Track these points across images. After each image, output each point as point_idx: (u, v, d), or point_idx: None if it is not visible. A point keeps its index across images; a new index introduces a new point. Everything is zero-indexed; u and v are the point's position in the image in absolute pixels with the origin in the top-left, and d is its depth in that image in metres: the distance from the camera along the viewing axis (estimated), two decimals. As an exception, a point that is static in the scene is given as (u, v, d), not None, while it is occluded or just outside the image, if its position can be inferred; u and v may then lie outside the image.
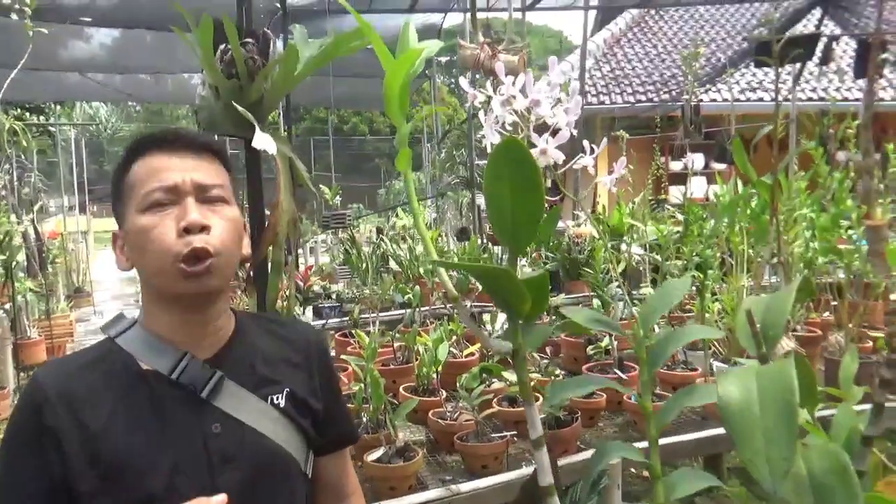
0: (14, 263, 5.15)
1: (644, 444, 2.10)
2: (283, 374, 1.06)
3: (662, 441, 2.23)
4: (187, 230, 0.92)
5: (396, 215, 10.27)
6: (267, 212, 1.58)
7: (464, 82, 0.79)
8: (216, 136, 1.55)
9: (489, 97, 0.80)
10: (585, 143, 0.77)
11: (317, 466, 1.11)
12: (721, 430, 2.29)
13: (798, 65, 7.07)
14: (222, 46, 1.34)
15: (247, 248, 1.05)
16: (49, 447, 0.90)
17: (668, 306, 0.74)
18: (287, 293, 1.63)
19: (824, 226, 2.45)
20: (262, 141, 1.24)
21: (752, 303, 0.58)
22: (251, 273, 1.51)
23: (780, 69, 2.10)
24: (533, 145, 0.71)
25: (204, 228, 0.93)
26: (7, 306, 5.23)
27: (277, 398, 1.03)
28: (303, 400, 1.06)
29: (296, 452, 1.04)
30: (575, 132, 0.73)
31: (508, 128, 0.77)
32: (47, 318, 6.30)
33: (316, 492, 1.13)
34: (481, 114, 0.82)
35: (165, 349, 0.97)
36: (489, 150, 0.88)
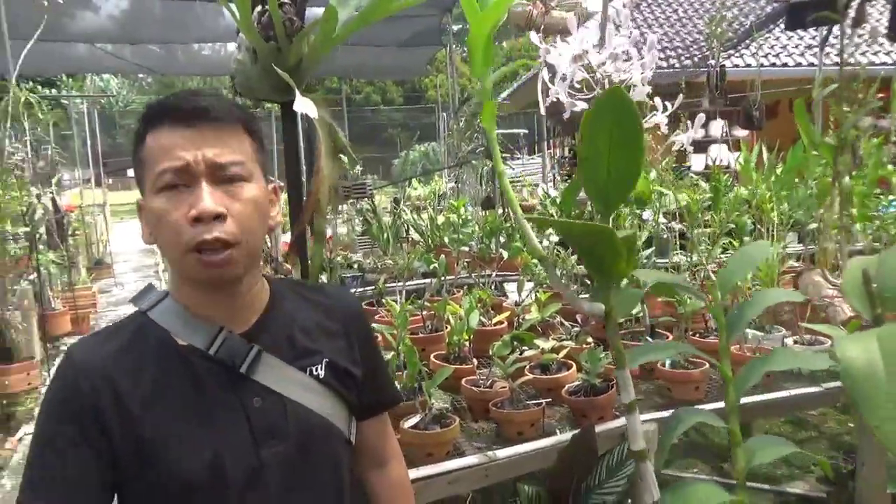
0: (38, 236, 5.20)
1: (654, 414, 2.09)
2: (322, 344, 1.04)
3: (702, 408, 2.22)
4: (198, 219, 0.86)
5: (411, 186, 10.22)
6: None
7: (534, 37, 0.76)
8: (252, 101, 1.53)
9: (554, 55, 0.76)
10: (658, 100, 0.74)
11: (358, 431, 1.11)
12: (765, 397, 2.27)
13: (825, 28, 6.88)
14: (259, 8, 1.31)
15: (275, 219, 1.01)
16: (91, 427, 0.88)
17: (747, 269, 0.71)
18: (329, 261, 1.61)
19: (864, 192, 2.40)
20: (304, 105, 1.21)
21: (864, 262, 0.55)
22: (292, 242, 1.49)
23: (824, 31, 2.02)
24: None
25: (218, 217, 0.87)
26: (32, 277, 5.29)
27: (317, 369, 1.01)
28: (343, 369, 1.05)
29: (339, 421, 1.03)
30: (649, 89, 0.70)
31: (577, 86, 0.73)
32: (70, 290, 6.37)
33: (357, 456, 1.12)
34: (544, 72, 0.78)
35: (200, 324, 0.94)
36: (542, 110, 0.84)
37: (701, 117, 0.76)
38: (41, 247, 5.97)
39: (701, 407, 2.18)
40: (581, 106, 0.67)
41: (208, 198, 0.87)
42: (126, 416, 0.88)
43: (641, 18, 12.15)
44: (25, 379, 4.45)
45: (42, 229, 5.95)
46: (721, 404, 2.23)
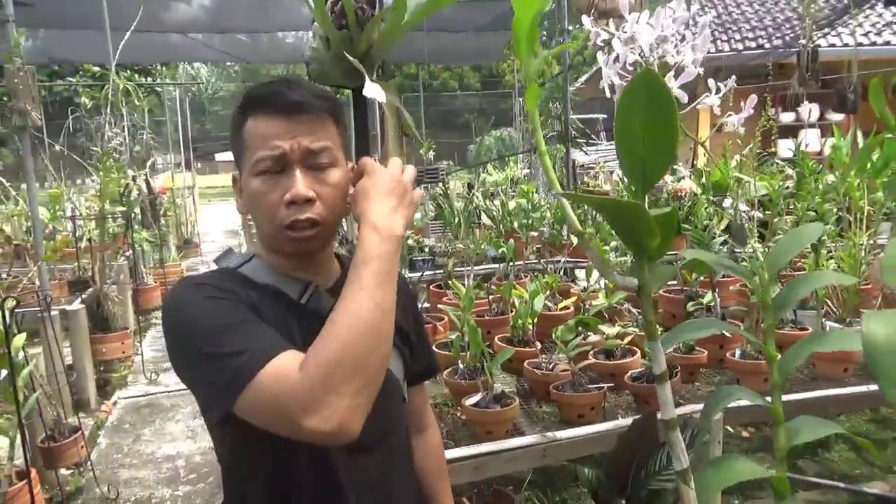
0: (133, 215, 5.55)
1: (731, 403, 2.06)
2: None
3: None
4: (293, 202, 0.96)
5: (486, 171, 10.23)
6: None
7: (586, 20, 0.78)
8: (327, 87, 1.59)
9: (608, 38, 0.78)
10: (711, 81, 0.75)
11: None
12: (833, 392, 2.20)
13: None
14: (331, -2, 1.37)
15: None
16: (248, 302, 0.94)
17: (798, 248, 0.71)
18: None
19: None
20: (373, 90, 1.26)
21: (903, 241, 0.55)
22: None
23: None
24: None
25: (308, 201, 0.96)
26: (128, 254, 5.66)
27: None
28: (404, 330, 1.13)
29: (400, 378, 1.12)
30: (701, 70, 0.71)
31: (630, 68, 0.75)
32: (161, 267, 6.78)
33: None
34: (600, 55, 0.80)
35: (289, 279, 1.03)
36: (607, 93, 0.86)
37: (753, 98, 0.75)
38: (136, 226, 6.37)
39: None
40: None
41: (301, 184, 0.96)
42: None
43: (730, -3, 11.63)
44: (120, 348, 4.80)
45: (137, 210, 6.34)
46: (794, 396, 2.18)
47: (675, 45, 0.70)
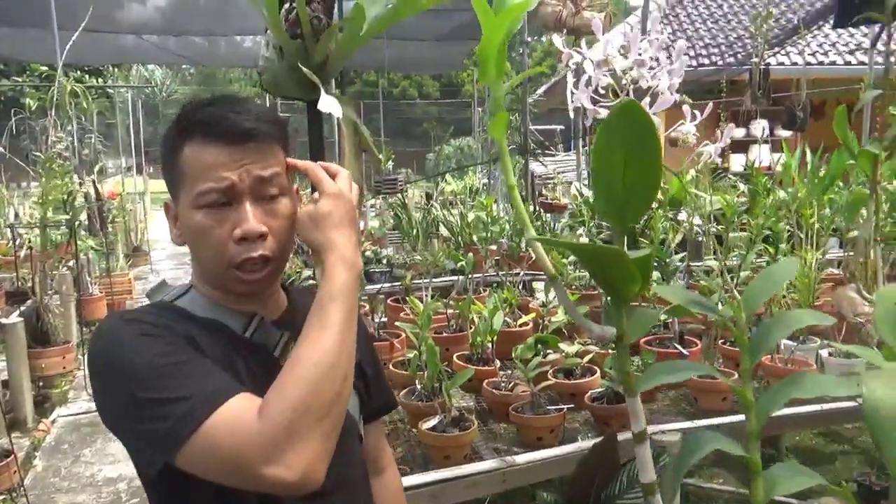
0: (77, 223, 5.32)
1: (679, 424, 2.03)
2: None
3: (726, 420, 2.16)
4: (244, 238, 0.88)
5: (445, 181, 10.22)
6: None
7: (557, 40, 0.73)
8: (278, 100, 1.52)
9: (579, 60, 0.73)
10: (687, 107, 0.71)
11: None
12: (793, 411, 2.20)
13: (877, 26, 6.64)
14: (287, 5, 1.30)
15: None
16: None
17: (775, 288, 0.67)
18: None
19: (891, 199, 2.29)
20: (328, 104, 1.20)
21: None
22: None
23: (876, 29, 1.93)
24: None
25: (262, 236, 0.89)
26: (71, 264, 5.42)
27: None
28: (358, 363, 1.05)
29: (355, 414, 1.05)
30: (678, 97, 0.67)
31: (602, 91, 0.70)
32: (108, 276, 6.53)
33: None
34: (569, 75, 0.76)
35: (232, 312, 0.95)
36: (571, 114, 0.82)
37: (731, 126, 0.72)
38: (83, 233, 6.12)
39: (729, 419, 2.13)
40: (604, 113, 0.64)
41: (252, 218, 0.88)
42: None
43: (685, 14, 11.91)
44: (61, 362, 4.57)
45: (83, 216, 6.10)
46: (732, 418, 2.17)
47: (651, 69, 0.66)
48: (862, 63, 9.63)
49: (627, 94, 0.65)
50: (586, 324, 0.68)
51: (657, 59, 0.70)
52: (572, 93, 0.74)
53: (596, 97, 0.70)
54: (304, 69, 1.23)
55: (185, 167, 0.90)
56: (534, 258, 3.91)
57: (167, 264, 10.12)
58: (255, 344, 0.94)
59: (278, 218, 0.91)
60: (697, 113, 0.70)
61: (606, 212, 0.59)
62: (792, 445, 3.69)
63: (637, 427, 0.67)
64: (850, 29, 9.89)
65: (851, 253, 3.01)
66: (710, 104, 0.81)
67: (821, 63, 9.90)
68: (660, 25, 0.68)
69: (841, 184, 3.49)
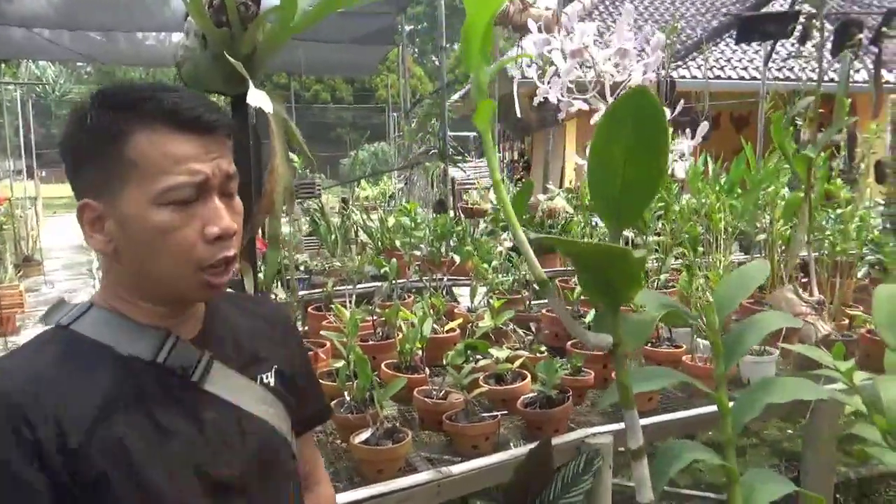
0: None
1: (608, 427, 2.06)
2: (269, 351, 0.99)
3: (647, 420, 2.20)
4: (221, 238, 0.81)
5: (360, 186, 10.08)
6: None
7: (532, 25, 0.69)
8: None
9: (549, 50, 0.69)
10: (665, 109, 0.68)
11: None
12: (706, 410, 2.27)
13: (769, 43, 7.09)
14: (209, -9, 1.20)
15: None
16: (31, 466, 0.74)
17: (746, 293, 0.66)
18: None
19: (812, 203, 2.43)
20: (257, 98, 1.12)
21: (893, 292, 0.50)
22: (243, 249, 1.38)
23: (769, 46, 2.03)
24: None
25: (234, 234, 0.83)
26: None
27: (266, 377, 0.96)
28: (290, 377, 1.00)
29: (288, 434, 0.98)
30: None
31: (570, 85, 0.67)
32: (-6, 288, 6.01)
33: None
34: (531, 70, 0.72)
35: (143, 331, 0.84)
36: (519, 113, 0.78)
37: (705, 125, 0.70)
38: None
39: (661, 418, 2.18)
40: (578, 105, 0.60)
41: (227, 215, 0.83)
42: (68, 446, 0.76)
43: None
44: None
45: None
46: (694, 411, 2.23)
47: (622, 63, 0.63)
48: (754, 78, 10.30)
49: (602, 87, 0.62)
50: (582, 333, 0.63)
51: (626, 52, 0.67)
52: (535, 88, 0.70)
53: (571, 89, 0.66)
54: (232, 59, 1.14)
55: (140, 157, 0.79)
56: (457, 263, 3.88)
57: (62, 275, 9.45)
58: (169, 369, 0.84)
59: (238, 215, 0.86)
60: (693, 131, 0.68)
61: (601, 205, 0.55)
62: (706, 440, 3.83)
63: (634, 443, 0.63)
64: (744, 45, 10.56)
65: (759, 255, 3.17)
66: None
67: (718, 77, 10.51)
68: (632, 18, 0.65)
69: (740, 190, 3.68)
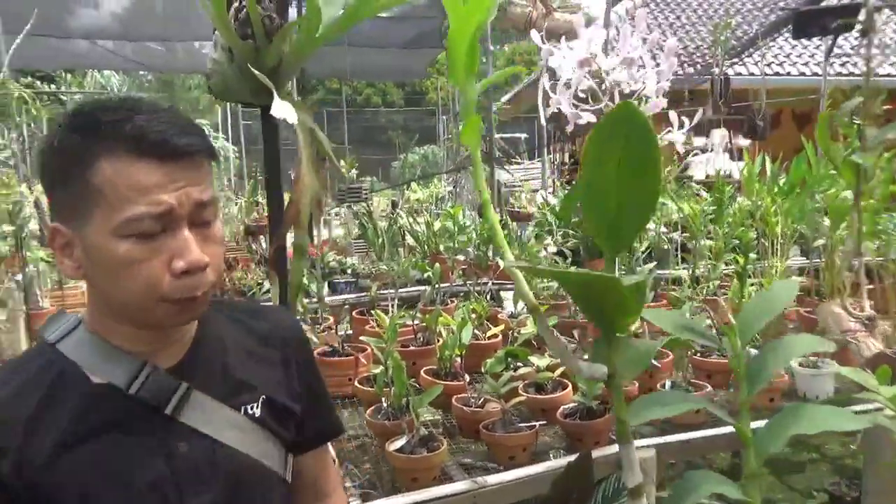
0: (25, 233, 5.09)
1: (652, 440, 1.97)
2: (259, 377, 0.94)
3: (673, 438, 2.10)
4: (189, 272, 0.77)
5: (410, 189, 10.14)
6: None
7: (535, 36, 0.66)
8: (239, 105, 1.43)
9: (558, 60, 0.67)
10: (673, 114, 0.65)
11: (296, 465, 1.00)
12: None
13: (830, 38, 6.78)
14: (236, 3, 1.21)
15: None
16: None
17: (772, 314, 0.61)
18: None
19: (874, 208, 2.30)
20: (281, 109, 1.12)
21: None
22: (271, 257, 1.38)
23: (829, 41, 1.93)
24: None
25: (205, 267, 0.79)
26: (18, 277, 5.18)
27: (252, 407, 0.91)
28: (282, 406, 0.95)
29: (274, 463, 0.93)
30: (664, 102, 0.61)
31: (581, 95, 0.64)
32: (59, 289, 6.26)
33: (294, 491, 1.01)
34: (545, 78, 0.69)
35: (120, 358, 0.83)
36: (543, 121, 0.75)
37: (699, 115, 0.66)
38: (34, 242, 5.86)
39: (709, 432, 2.08)
40: (586, 118, 0.57)
41: (195, 247, 0.78)
42: (30, 472, 0.76)
43: (644, 24, 12.06)
44: (8, 381, 4.35)
45: (32, 226, 5.84)
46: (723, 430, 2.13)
47: (638, 71, 0.59)
48: (816, 74, 9.88)
49: (611, 98, 0.58)
50: (573, 363, 0.60)
51: (642, 60, 0.63)
52: (548, 96, 0.67)
53: (575, 102, 0.63)
54: (256, 72, 1.14)
55: (103, 185, 0.75)
56: (502, 267, 3.86)
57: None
58: (140, 400, 0.82)
59: (214, 244, 0.81)
60: (686, 120, 0.64)
61: (595, 227, 0.52)
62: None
63: (633, 480, 0.60)
64: (804, 41, 10.15)
65: (818, 261, 3.02)
66: (673, 113, 0.75)
67: (777, 74, 10.13)
68: (644, 24, 0.62)
69: (799, 191, 3.52)
